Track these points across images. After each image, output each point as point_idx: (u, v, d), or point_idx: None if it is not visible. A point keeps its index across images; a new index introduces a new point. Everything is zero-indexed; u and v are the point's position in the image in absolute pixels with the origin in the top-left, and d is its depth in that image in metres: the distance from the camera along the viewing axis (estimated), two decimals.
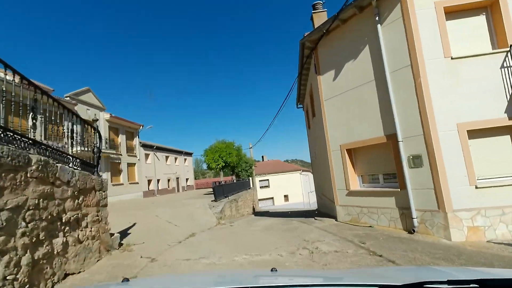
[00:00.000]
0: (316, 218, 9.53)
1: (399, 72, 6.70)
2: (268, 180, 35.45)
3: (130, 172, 24.43)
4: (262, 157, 42.58)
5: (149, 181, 27.76)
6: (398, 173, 6.76)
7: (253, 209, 21.65)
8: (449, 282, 1.10)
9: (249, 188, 24.15)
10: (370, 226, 7.23)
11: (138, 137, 26.69)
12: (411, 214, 6.37)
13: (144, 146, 27.60)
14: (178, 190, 32.80)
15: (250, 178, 28.58)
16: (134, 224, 8.64)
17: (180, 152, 34.96)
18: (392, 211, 6.94)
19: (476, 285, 1.07)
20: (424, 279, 1.17)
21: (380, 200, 7.25)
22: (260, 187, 35.27)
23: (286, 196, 36.06)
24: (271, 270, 1.75)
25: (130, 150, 25.05)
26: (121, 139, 23.84)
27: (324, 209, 12.48)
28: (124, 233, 7.41)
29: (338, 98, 8.39)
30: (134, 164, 25.30)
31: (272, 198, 35.39)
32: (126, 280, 1.66)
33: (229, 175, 25.21)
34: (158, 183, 29.14)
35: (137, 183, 25.17)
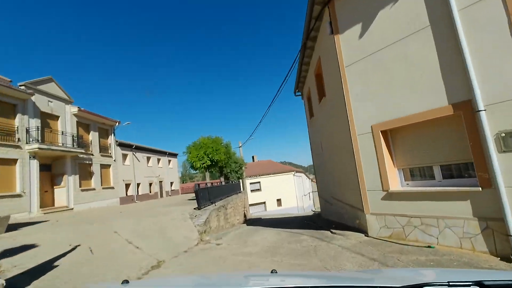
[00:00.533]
0: (333, 231, 7.01)
1: (477, 6, 4.30)
2: (259, 182, 32.93)
3: (104, 175, 21.37)
4: (253, 157, 40.00)
5: (127, 186, 24.70)
6: (478, 161, 4.34)
7: (245, 216, 19.05)
8: (449, 284, 1.12)
9: (240, 192, 21.56)
10: (428, 247, 4.75)
11: (114, 135, 23.67)
12: (507, 228, 3.94)
13: (122, 145, 24.58)
14: (161, 195, 29.77)
15: (241, 181, 25.96)
16: (75, 248, 5.90)
17: (163, 153, 31.97)
18: (466, 222, 4.49)
19: (476, 287, 1.09)
20: (424, 280, 1.22)
21: (442, 206, 4.79)
22: (251, 190, 32.69)
23: (279, 200, 33.60)
24: (271, 272, 1.74)
25: (104, 149, 22.00)
26: (93, 136, 20.79)
27: (336, 217, 9.99)
28: (45, 268, 4.68)
29: (367, 61, 5.94)
30: (109, 165, 22.25)
31: (264, 202, 32.87)
32: (126, 282, 1.64)
33: (217, 177, 22.51)
34: (137, 187, 26.09)
35: (113, 187, 22.11)
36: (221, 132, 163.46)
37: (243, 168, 26.52)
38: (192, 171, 19.15)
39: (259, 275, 2.09)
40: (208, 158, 14.90)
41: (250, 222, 17.18)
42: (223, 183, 18.30)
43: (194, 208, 10.65)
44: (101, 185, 20.75)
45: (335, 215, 10.32)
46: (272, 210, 32.47)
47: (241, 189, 23.51)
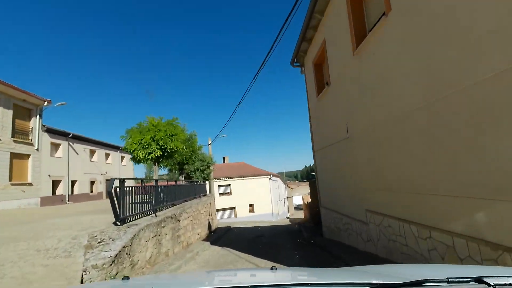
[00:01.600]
0: None
1: None
2: (230, 185, 28.39)
3: (17, 167, 15.63)
4: (223, 158, 35.49)
5: (57, 183, 18.96)
6: None
7: (209, 227, 14.48)
8: (448, 280, 1.11)
9: (204, 195, 16.97)
10: None
11: (41, 118, 17.93)
12: None
13: (52, 132, 18.84)
14: (107, 196, 24.10)
15: (207, 182, 21.29)
16: None
17: (114, 148, 26.29)
18: None
19: (476, 283, 1.08)
20: (424, 277, 1.18)
21: None
22: (220, 194, 28.03)
23: (251, 206, 29.27)
24: (271, 269, 1.73)
25: (21, 134, 16.26)
26: (3, 115, 15.05)
27: (350, 241, 5.77)
28: None
29: None
30: (28, 156, 16.52)
31: (234, 208, 28.35)
32: (126, 278, 1.62)
33: (176, 176, 17.65)
34: (72, 185, 20.36)
35: (30, 184, 16.38)
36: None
37: (211, 167, 21.85)
38: (155, 171, 14.39)
39: (259, 272, 2.11)
40: (158, 147, 10.17)
41: (216, 237, 12.63)
42: (182, 183, 13.59)
43: (114, 223, 5.91)
44: (11, 180, 15.01)
45: (363, 239, 6.13)
46: (243, 217, 28.03)
47: (207, 192, 18.84)
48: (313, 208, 14.80)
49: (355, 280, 1.36)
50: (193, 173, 19.73)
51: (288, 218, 37.44)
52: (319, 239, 9.84)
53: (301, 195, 57.59)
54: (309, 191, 44.56)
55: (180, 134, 11.22)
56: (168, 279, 2.03)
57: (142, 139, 10.21)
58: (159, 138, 10.31)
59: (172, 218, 8.03)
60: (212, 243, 10.45)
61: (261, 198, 29.44)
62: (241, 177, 28.76)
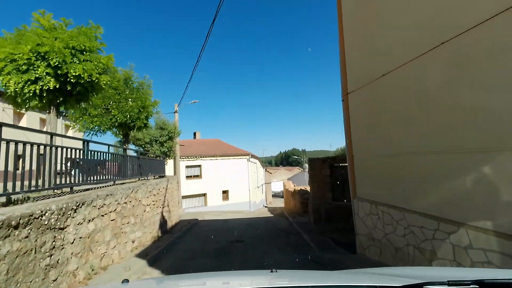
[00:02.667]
0: None
1: None
2: (200, 167, 23.34)
3: None
4: (194, 133, 30.07)
5: None
6: None
7: (162, 224, 9.54)
8: (449, 283, 1.10)
9: (162, 177, 11.93)
10: None
11: None
12: None
13: None
14: None
15: (171, 160, 16.19)
16: None
17: None
18: None
19: (476, 286, 1.07)
20: (425, 279, 1.20)
21: None
22: (187, 176, 22.90)
23: (225, 193, 24.50)
24: (271, 271, 1.73)
25: None
26: None
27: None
28: None
29: None
30: None
31: (204, 195, 23.43)
32: (126, 281, 1.64)
33: (116, 136, 12.26)
34: None
35: None
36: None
37: (175, 140, 16.64)
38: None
39: (258, 274, 2.06)
40: (51, 71, 4.93)
41: (169, 243, 7.74)
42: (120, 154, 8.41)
43: None
44: None
45: None
46: (215, 206, 23.27)
47: (166, 173, 13.74)
48: (316, 198, 10.32)
49: (357, 283, 1.41)
50: (148, 145, 14.44)
51: (266, 207, 33.31)
52: (350, 259, 5.31)
53: (280, 181, 53.71)
54: (288, 177, 40.49)
55: (100, 59, 5.95)
56: (168, 282, 1.98)
57: (16, 54, 4.88)
58: (52, 51, 5.02)
59: (40, 221, 3.04)
60: (152, 263, 5.58)
61: (238, 183, 24.76)
62: (214, 156, 23.79)
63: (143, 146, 14.36)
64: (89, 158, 5.75)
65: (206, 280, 1.98)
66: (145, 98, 10.64)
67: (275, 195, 47.68)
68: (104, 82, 6.28)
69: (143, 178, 9.22)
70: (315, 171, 10.46)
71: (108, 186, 6.25)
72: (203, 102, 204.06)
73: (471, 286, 1.09)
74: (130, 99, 10.35)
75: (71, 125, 10.49)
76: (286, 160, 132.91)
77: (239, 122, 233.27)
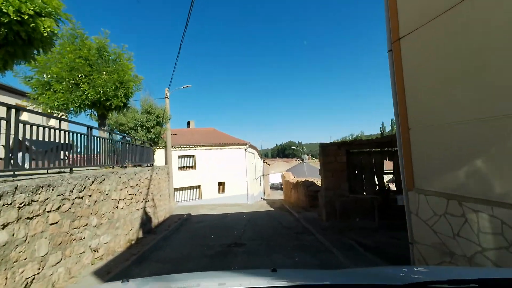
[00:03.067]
0: None
1: None
2: (193, 157, 21.54)
3: None
4: (188, 122, 28.10)
5: None
6: None
7: (145, 222, 7.80)
8: (449, 282, 1.10)
9: (150, 165, 10.18)
10: None
11: None
12: None
13: None
14: None
15: (160, 150, 14.46)
16: None
17: None
18: None
19: (476, 285, 1.07)
20: (425, 279, 1.23)
21: None
22: (180, 167, 21.11)
23: (221, 185, 22.80)
24: (272, 271, 1.71)
25: None
26: None
27: None
28: None
29: None
30: None
31: (198, 187, 21.72)
32: (126, 280, 1.62)
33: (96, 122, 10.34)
34: None
35: None
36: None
37: (167, 126, 14.84)
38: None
39: (260, 274, 1.96)
40: None
41: (147, 249, 6.03)
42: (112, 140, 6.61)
43: None
44: None
45: None
46: (210, 199, 21.60)
47: (153, 161, 11.95)
48: (329, 190, 8.65)
49: (358, 282, 1.43)
50: (133, 131, 12.60)
51: (264, 199, 31.76)
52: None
53: (278, 172, 52.21)
54: (287, 168, 38.83)
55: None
56: (168, 280, 1.96)
57: None
58: None
59: None
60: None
61: (235, 174, 23.07)
62: (209, 146, 22.00)
63: (127, 132, 12.52)
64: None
65: (208, 280, 1.93)
66: (123, 72, 8.77)
67: (273, 187, 46.19)
68: (49, 29, 4.44)
69: (121, 166, 7.44)
70: (328, 157, 8.76)
71: (55, 175, 4.46)
72: (199, 90, 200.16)
73: (470, 285, 1.08)
74: (104, 72, 8.49)
75: (28, 103, 8.60)
76: (282, 152, 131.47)
77: (236, 113, 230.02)
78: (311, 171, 34.81)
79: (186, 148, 21.27)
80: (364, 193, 8.49)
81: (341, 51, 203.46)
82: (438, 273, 1.53)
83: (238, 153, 23.78)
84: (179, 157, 21.09)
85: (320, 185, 13.46)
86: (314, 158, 60.65)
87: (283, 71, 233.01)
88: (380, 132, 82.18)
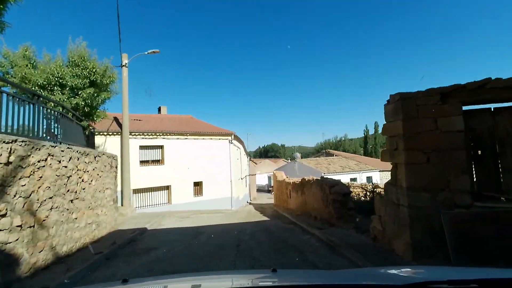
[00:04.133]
0: None
1: None
2: (161, 148, 16.22)
3: None
4: (159, 108, 22.68)
5: None
6: None
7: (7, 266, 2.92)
8: (449, 282, 1.10)
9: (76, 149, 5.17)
10: None
11: None
12: None
13: None
14: None
15: (111, 137, 9.44)
16: None
17: None
18: None
19: (476, 285, 1.08)
20: (424, 279, 1.22)
21: None
22: (142, 161, 15.82)
23: (198, 185, 17.70)
24: (272, 271, 1.70)
25: None
26: None
27: None
28: None
29: None
30: None
31: (168, 187, 16.46)
32: (125, 281, 1.60)
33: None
34: None
35: None
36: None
37: (124, 98, 9.80)
38: None
39: (260, 274, 2.08)
40: None
41: None
42: None
43: None
44: None
45: None
46: (183, 203, 16.48)
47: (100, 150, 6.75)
48: (420, 192, 3.97)
49: (358, 282, 1.43)
50: (44, 91, 7.42)
51: (250, 203, 26.89)
52: None
53: (264, 173, 47.44)
54: (274, 169, 34.15)
55: None
56: (168, 281, 2.01)
57: None
58: None
59: None
60: None
61: (216, 172, 18.09)
62: (183, 134, 16.88)
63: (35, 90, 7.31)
64: None
65: (208, 280, 1.94)
66: None
67: (259, 190, 41.46)
68: None
69: None
70: (417, 122, 4.11)
71: None
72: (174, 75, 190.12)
73: (470, 285, 1.08)
74: None
75: None
76: (265, 155, 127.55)
77: (220, 107, 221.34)
78: (303, 171, 30.43)
79: (151, 136, 16.04)
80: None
81: (325, 54, 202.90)
82: (438, 273, 1.52)
83: (221, 146, 18.81)
84: (142, 147, 15.84)
85: (347, 186, 8.83)
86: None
87: (266, 69, 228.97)
88: (364, 135, 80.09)
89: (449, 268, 2.32)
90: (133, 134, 15.10)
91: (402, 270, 1.83)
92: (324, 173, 29.18)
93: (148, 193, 15.89)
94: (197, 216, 13.71)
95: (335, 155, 37.66)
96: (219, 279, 1.95)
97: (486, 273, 1.45)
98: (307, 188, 10.89)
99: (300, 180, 12.60)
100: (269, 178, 43.26)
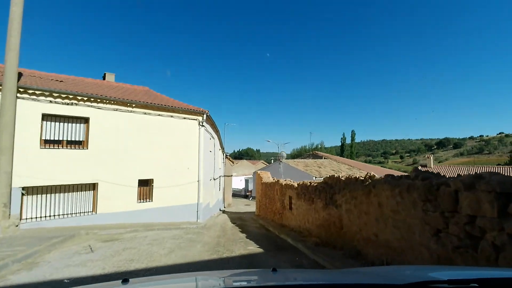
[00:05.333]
0: None
1: None
2: (86, 122, 9.81)
3: None
4: (104, 75, 16.27)
5: None
6: None
7: None
8: (449, 282, 1.10)
9: None
10: None
11: None
12: None
13: None
14: None
15: None
16: None
17: None
18: None
19: (476, 285, 1.06)
20: (424, 279, 1.18)
21: None
22: (46, 141, 9.51)
23: (145, 185, 11.50)
24: (272, 270, 1.70)
25: None
26: None
27: None
28: None
29: None
30: None
31: (93, 186, 10.21)
32: (126, 280, 1.54)
33: None
34: None
35: None
36: None
37: None
38: None
39: (260, 273, 2.03)
40: None
41: None
42: None
43: None
44: None
45: None
46: (119, 213, 10.34)
47: None
48: None
49: (358, 282, 1.40)
50: None
51: (224, 211, 20.93)
52: None
53: (242, 176, 41.41)
54: (253, 171, 28.19)
55: None
56: (168, 281, 1.93)
57: None
58: None
59: None
60: None
61: (177, 167, 12.08)
62: (124, 104, 10.60)
63: None
64: None
65: (208, 279, 1.91)
66: None
67: (236, 194, 35.45)
68: None
69: None
70: None
71: None
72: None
73: (470, 285, 1.06)
74: None
75: None
76: (240, 159, 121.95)
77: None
78: (289, 173, 25.14)
79: (67, 100, 9.66)
80: None
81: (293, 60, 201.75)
82: (438, 273, 1.50)
83: (187, 128, 12.80)
84: (48, 118, 9.43)
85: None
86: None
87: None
88: (341, 143, 77.77)
89: (449, 268, 2.32)
90: (31, 92, 8.74)
91: (402, 269, 1.90)
92: (315, 177, 24.04)
93: (56, 194, 9.47)
94: (134, 239, 7.73)
95: (324, 158, 32.76)
96: (219, 278, 1.93)
97: (486, 273, 1.44)
98: (351, 196, 5.27)
99: (322, 181, 7.00)
100: (247, 181, 37.37)
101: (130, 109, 11.13)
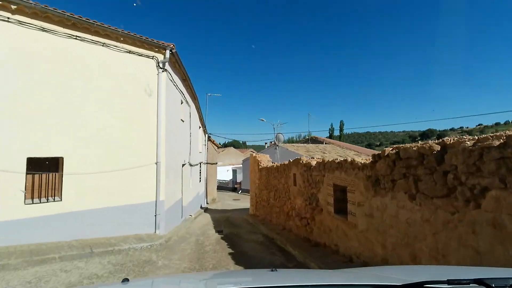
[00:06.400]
0: None
1: None
2: None
3: None
4: None
5: None
6: None
7: None
8: (449, 282, 1.08)
9: None
10: None
11: None
12: None
13: None
14: None
15: None
16: None
17: None
18: None
19: (476, 284, 1.06)
20: (424, 278, 1.17)
21: None
22: None
23: (48, 167, 6.16)
24: (272, 270, 1.67)
25: None
26: None
27: None
28: None
29: None
30: None
31: None
32: (126, 280, 1.49)
33: None
34: None
35: None
36: None
37: None
38: None
39: (259, 273, 1.93)
40: None
41: None
42: None
43: None
44: None
45: None
46: (8, 221, 4.89)
47: None
48: None
49: (357, 282, 1.36)
50: None
51: (206, 210, 15.60)
52: None
53: (228, 165, 35.97)
54: (242, 159, 22.62)
55: None
56: (168, 280, 1.92)
57: None
58: None
59: None
60: None
61: (117, 135, 6.75)
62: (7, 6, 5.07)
63: None
64: None
65: (208, 280, 1.87)
66: None
67: (222, 187, 30.04)
68: None
69: None
70: None
71: None
72: None
73: (470, 285, 1.06)
74: None
75: None
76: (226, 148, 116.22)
77: None
78: (287, 158, 20.16)
79: None
80: None
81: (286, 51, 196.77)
82: (438, 273, 1.50)
83: (135, 70, 7.27)
84: None
85: None
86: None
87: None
88: (329, 134, 74.13)
89: (449, 268, 2.28)
90: None
91: (401, 269, 1.91)
92: None
93: None
94: None
95: (325, 143, 27.95)
96: (219, 278, 1.93)
97: (486, 273, 1.41)
98: None
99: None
100: (235, 172, 32.00)
101: (10, 16, 5.49)
